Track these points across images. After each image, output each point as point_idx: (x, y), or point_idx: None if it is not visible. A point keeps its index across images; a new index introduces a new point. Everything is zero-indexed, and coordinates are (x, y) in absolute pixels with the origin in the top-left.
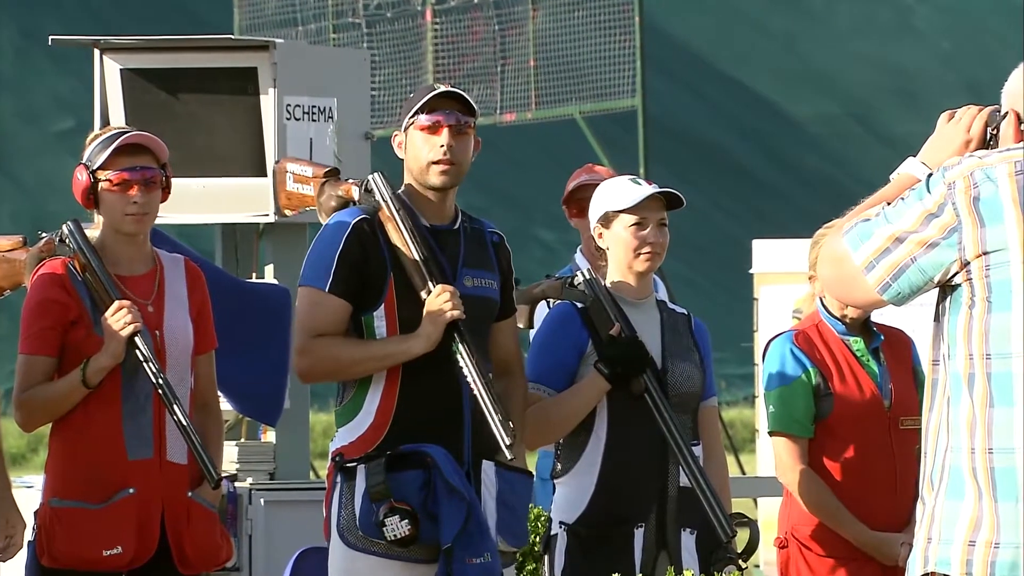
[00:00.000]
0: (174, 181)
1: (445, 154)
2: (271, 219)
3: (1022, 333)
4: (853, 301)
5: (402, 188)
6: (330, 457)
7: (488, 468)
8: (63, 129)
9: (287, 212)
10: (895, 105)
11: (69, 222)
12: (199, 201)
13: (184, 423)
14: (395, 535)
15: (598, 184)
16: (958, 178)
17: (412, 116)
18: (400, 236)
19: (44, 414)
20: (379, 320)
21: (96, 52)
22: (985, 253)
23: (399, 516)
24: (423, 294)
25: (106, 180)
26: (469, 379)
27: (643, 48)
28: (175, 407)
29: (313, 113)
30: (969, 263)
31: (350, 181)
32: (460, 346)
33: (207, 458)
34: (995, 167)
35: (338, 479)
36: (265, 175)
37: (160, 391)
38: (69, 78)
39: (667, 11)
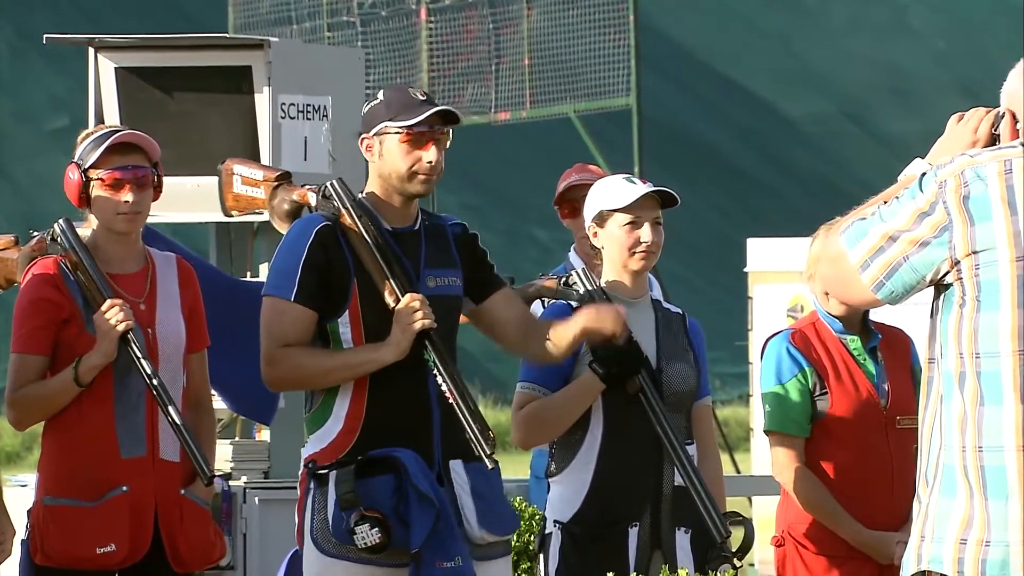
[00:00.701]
0: (169, 180)
1: (431, 167)
2: (265, 218)
3: (1010, 332)
4: (850, 299)
5: (363, 192)
6: (302, 464)
7: (456, 466)
8: (57, 128)
9: (233, 213)
10: (890, 104)
11: (61, 221)
12: (194, 200)
13: (177, 421)
14: (365, 543)
15: (590, 183)
16: (949, 177)
17: (394, 124)
18: (363, 243)
19: (37, 413)
20: (344, 327)
21: (90, 51)
22: (975, 252)
23: (369, 524)
24: (390, 301)
25: (98, 179)
26: (444, 388)
27: (638, 47)
28: (168, 405)
29: (308, 112)
30: (959, 262)
31: (305, 187)
32: (432, 355)
33: (200, 456)
34: (985, 166)
35: (311, 486)
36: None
37: (154, 391)
38: (63, 77)
39: (661, 10)
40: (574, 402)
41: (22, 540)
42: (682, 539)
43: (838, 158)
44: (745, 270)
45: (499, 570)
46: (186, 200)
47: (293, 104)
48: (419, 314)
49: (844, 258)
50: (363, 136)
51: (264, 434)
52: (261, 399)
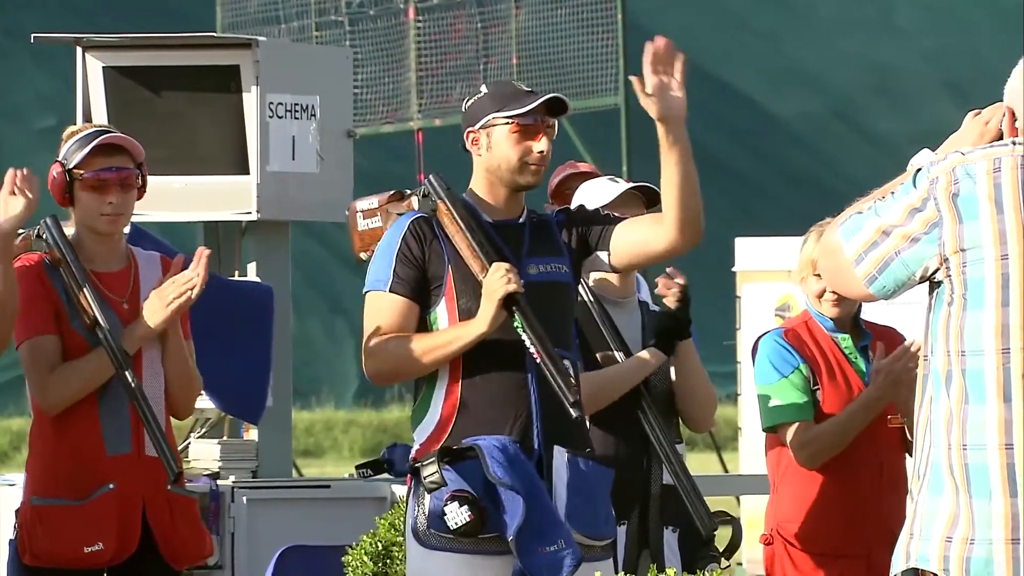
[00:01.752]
0: (157, 179)
1: (542, 157)
2: (254, 217)
3: (994, 330)
4: (846, 292)
5: (466, 190)
6: (408, 462)
7: (559, 454)
8: (45, 127)
9: (362, 255)
10: (879, 103)
11: (47, 218)
12: (182, 199)
13: (148, 416)
14: (456, 523)
15: (584, 174)
16: (941, 174)
17: (502, 114)
18: (455, 227)
19: (77, 392)
20: (442, 315)
21: (78, 50)
22: (962, 250)
23: (458, 503)
24: (480, 277)
25: (82, 180)
26: (529, 346)
27: (626, 46)
28: (139, 400)
29: (296, 111)
30: (948, 259)
31: (410, 193)
32: (520, 318)
33: (169, 454)
34: (975, 164)
35: (413, 483)
36: (247, 173)
37: (127, 388)
38: (51, 76)
39: (650, 8)
40: (636, 374)
41: (10, 540)
42: (670, 538)
43: (827, 157)
44: (733, 269)
45: (597, 573)
46: (174, 199)
47: (281, 103)
48: (504, 278)
49: (840, 251)
50: (469, 130)
51: (252, 433)
52: (249, 398)
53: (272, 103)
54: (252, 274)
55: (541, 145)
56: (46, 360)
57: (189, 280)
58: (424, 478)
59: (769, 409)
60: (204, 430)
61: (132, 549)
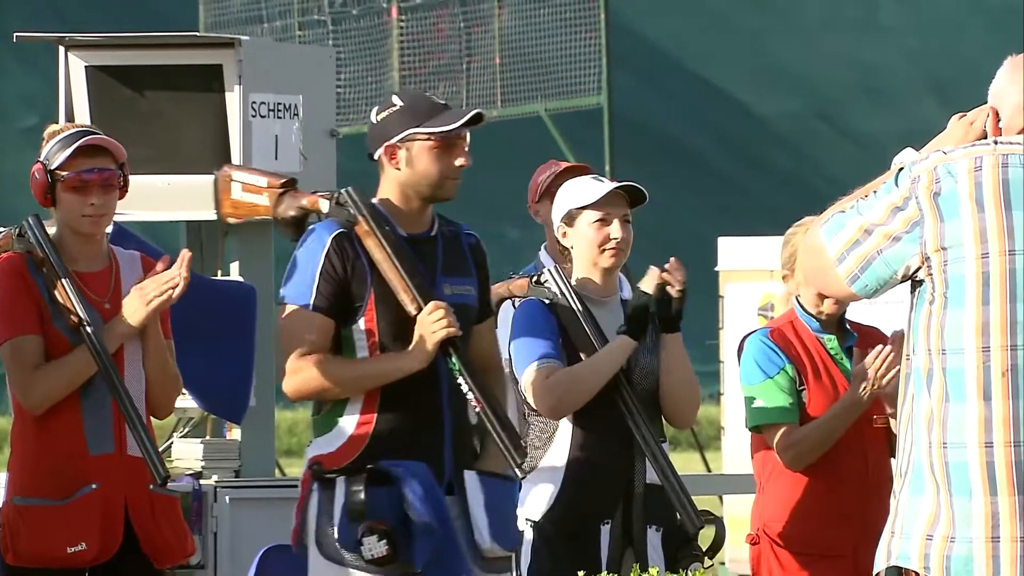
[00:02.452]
0: (140, 179)
1: (462, 170)
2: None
3: (974, 329)
4: (828, 292)
5: (376, 199)
6: (307, 464)
7: (471, 478)
8: (28, 126)
9: (230, 220)
10: (862, 103)
11: (30, 217)
12: (164, 198)
13: (134, 419)
14: (372, 555)
15: (575, 168)
16: (923, 173)
17: (423, 130)
18: (381, 250)
19: (61, 390)
20: (359, 334)
21: (61, 49)
22: (943, 248)
23: (376, 536)
24: (411, 309)
25: (64, 181)
26: (471, 399)
27: (609, 45)
28: (125, 400)
29: (279, 110)
30: (929, 257)
31: (316, 193)
32: (458, 362)
33: (155, 455)
34: (956, 163)
35: (314, 487)
36: None
37: (112, 386)
38: (34, 75)
39: (632, 8)
40: (609, 362)
41: None
42: (653, 537)
43: (810, 156)
44: (716, 269)
45: None
46: (157, 199)
47: (264, 103)
48: (443, 321)
49: (823, 250)
50: (386, 144)
51: (235, 433)
52: (232, 398)
53: (255, 102)
54: (235, 274)
55: (462, 159)
56: (29, 359)
57: (171, 279)
58: (351, 504)
59: (754, 410)
60: (187, 430)
61: (115, 549)
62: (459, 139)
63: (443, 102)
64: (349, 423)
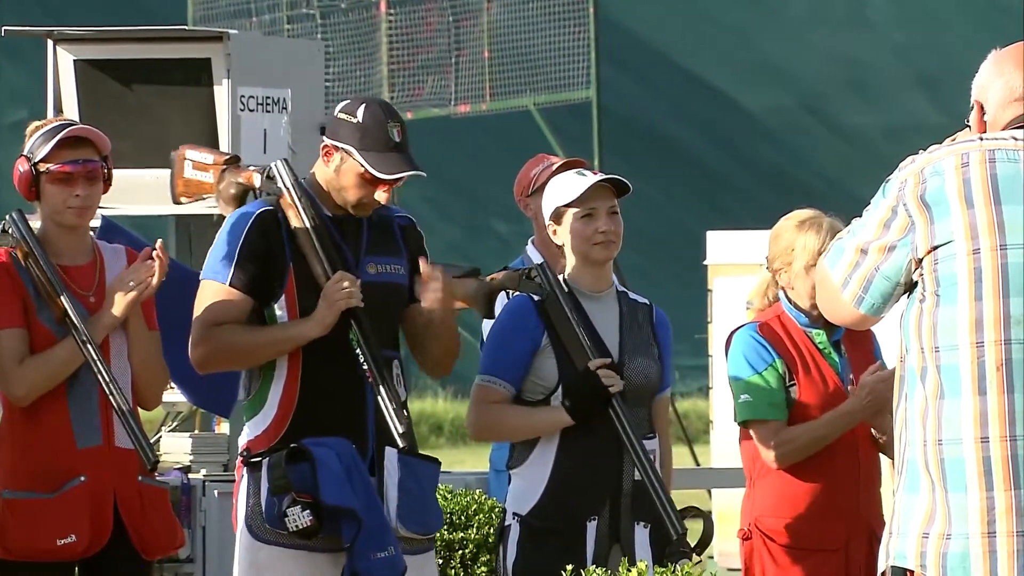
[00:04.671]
0: (128, 172)
1: (378, 203)
2: (214, 206)
3: (968, 325)
4: (840, 320)
5: (306, 177)
6: (239, 452)
7: (391, 455)
8: (16, 120)
9: (183, 200)
10: (848, 97)
11: (13, 212)
12: (153, 192)
13: (122, 408)
14: (297, 526)
15: (572, 163)
16: (909, 176)
17: (361, 158)
18: (300, 222)
19: (47, 381)
20: (280, 311)
21: (49, 43)
22: (935, 248)
23: (301, 507)
24: (323, 281)
25: (48, 173)
26: (364, 366)
27: (597, 39)
28: (113, 392)
29: (267, 104)
30: (922, 260)
31: (251, 168)
32: (357, 333)
33: (144, 442)
34: (943, 160)
35: (244, 473)
36: None
37: (100, 377)
38: (22, 69)
39: (621, 3)
40: (537, 430)
41: None
42: (641, 534)
43: (797, 151)
44: (704, 263)
45: (420, 565)
46: (145, 193)
47: (252, 96)
48: (346, 291)
49: (828, 279)
50: (326, 141)
51: (223, 427)
52: (219, 391)
53: (244, 96)
54: None
55: (382, 196)
56: (14, 353)
57: (148, 268)
58: (272, 479)
59: (742, 404)
60: (175, 424)
61: (104, 541)
62: (392, 183)
63: (399, 140)
64: (272, 405)
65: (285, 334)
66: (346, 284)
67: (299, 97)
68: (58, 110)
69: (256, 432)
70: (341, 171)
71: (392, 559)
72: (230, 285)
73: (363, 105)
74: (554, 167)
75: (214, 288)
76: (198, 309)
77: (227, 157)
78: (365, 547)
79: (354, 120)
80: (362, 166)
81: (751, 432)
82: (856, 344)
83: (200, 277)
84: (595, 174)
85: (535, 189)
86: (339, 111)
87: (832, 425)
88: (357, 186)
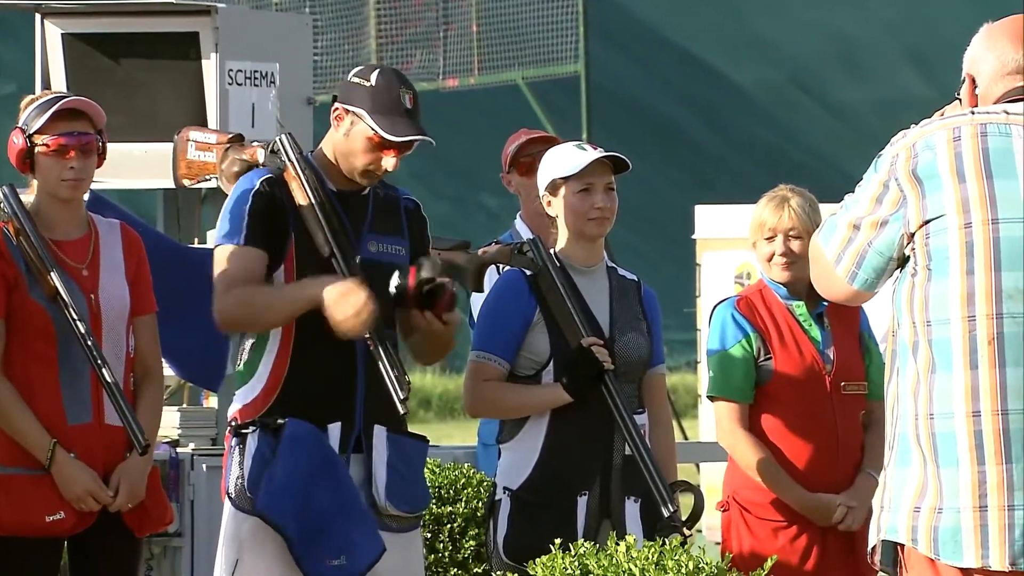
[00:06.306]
0: (117, 146)
1: (386, 171)
2: (212, 184)
3: (959, 299)
4: (834, 296)
5: (313, 152)
6: (227, 421)
7: (379, 433)
8: (4, 95)
9: (185, 182)
10: (839, 73)
11: (4, 187)
12: (141, 166)
13: (109, 382)
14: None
15: (540, 139)
16: (901, 151)
17: (372, 121)
18: (304, 195)
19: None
20: (279, 280)
21: (37, 17)
22: (926, 222)
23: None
24: (325, 252)
25: (43, 145)
26: (365, 335)
27: (586, 14)
28: (102, 367)
29: (255, 78)
30: (914, 234)
31: (255, 144)
32: None
33: (133, 421)
34: (934, 135)
35: (233, 443)
36: None
37: (87, 351)
38: (10, 43)
39: None
40: (535, 407)
41: None
42: (631, 508)
43: (788, 126)
44: (693, 237)
45: (407, 543)
46: (134, 167)
47: (241, 70)
48: (362, 310)
49: (822, 255)
50: (337, 104)
51: (212, 401)
52: (208, 365)
53: (232, 70)
54: (211, 241)
55: (390, 162)
56: None
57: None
58: (254, 447)
59: (711, 378)
60: (164, 398)
61: (93, 518)
62: (400, 146)
63: (410, 106)
64: (262, 377)
65: (302, 292)
66: (363, 299)
67: (287, 71)
68: (46, 84)
69: (244, 402)
70: (351, 134)
71: (344, 568)
72: (245, 244)
73: (377, 71)
74: (523, 142)
75: (229, 250)
76: (217, 271)
77: (230, 136)
78: (320, 553)
79: (367, 84)
80: (372, 128)
81: (714, 407)
82: (840, 316)
83: (214, 245)
84: (595, 149)
85: (511, 165)
86: (353, 75)
87: (790, 496)
88: (366, 150)
